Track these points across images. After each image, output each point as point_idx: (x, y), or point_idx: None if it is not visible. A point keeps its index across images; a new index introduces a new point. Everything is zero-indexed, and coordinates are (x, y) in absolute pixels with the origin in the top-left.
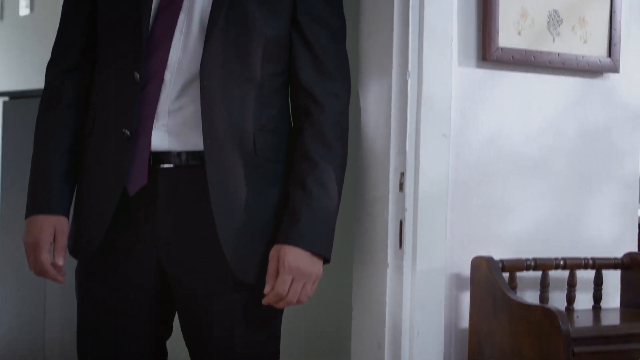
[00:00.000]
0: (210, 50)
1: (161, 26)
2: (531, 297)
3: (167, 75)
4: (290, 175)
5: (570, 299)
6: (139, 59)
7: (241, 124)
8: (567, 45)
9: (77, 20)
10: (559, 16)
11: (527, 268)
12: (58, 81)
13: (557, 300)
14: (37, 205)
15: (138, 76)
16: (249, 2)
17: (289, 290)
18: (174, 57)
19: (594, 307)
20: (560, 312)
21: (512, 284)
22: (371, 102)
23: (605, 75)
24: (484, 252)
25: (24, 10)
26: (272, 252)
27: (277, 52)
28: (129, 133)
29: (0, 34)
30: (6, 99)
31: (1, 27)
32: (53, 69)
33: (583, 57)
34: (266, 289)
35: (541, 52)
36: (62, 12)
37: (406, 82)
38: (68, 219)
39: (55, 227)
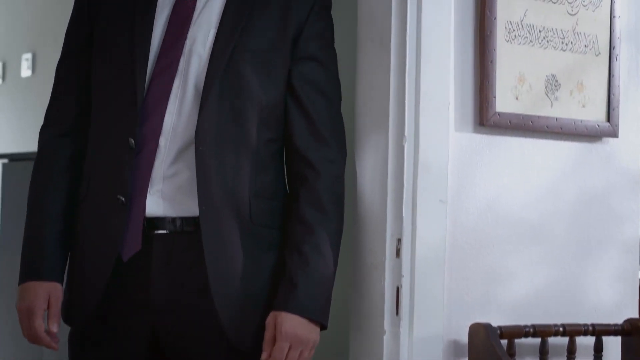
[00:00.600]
0: (205, 116)
1: (156, 91)
2: None
3: (162, 141)
4: (287, 241)
5: None
6: (133, 124)
7: (237, 190)
8: (565, 109)
9: (71, 84)
10: (556, 81)
11: (526, 335)
12: (52, 145)
13: None
14: (30, 271)
15: (133, 142)
16: (244, 67)
17: (286, 357)
18: (168, 122)
19: None
20: None
21: (511, 351)
22: (367, 167)
23: (604, 139)
24: (482, 319)
25: (25, 71)
26: (269, 319)
27: (272, 118)
28: (123, 199)
29: (2, 96)
30: (5, 161)
31: (3, 88)
32: (46, 133)
33: (581, 121)
34: (263, 357)
35: (539, 117)
36: (56, 76)
37: (402, 147)
38: (62, 285)
39: (50, 293)
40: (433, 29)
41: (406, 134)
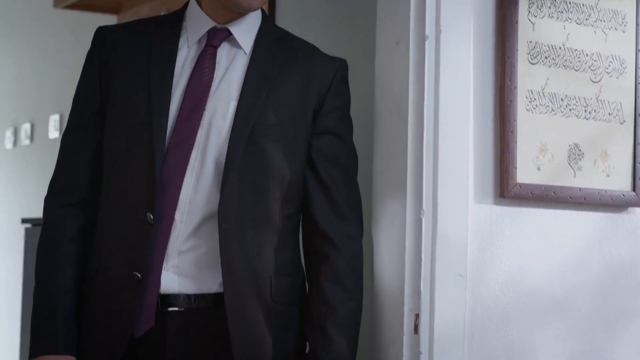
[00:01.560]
0: (228, 192)
1: (172, 164)
2: None
3: (178, 215)
4: (309, 318)
5: None
6: (152, 198)
7: (258, 269)
8: (589, 179)
9: (81, 153)
10: (580, 150)
11: None
12: (60, 215)
13: None
14: (43, 345)
15: (151, 217)
16: (266, 142)
17: None
18: (185, 196)
19: None
20: None
21: None
22: (384, 239)
23: (630, 209)
24: None
25: (53, 133)
26: None
27: (293, 193)
28: (140, 276)
29: (30, 156)
30: (29, 225)
31: (31, 149)
32: (54, 203)
33: (606, 191)
34: None
35: (562, 188)
36: (63, 144)
37: (420, 220)
38: (77, 358)
39: None
40: (451, 98)
41: (424, 206)
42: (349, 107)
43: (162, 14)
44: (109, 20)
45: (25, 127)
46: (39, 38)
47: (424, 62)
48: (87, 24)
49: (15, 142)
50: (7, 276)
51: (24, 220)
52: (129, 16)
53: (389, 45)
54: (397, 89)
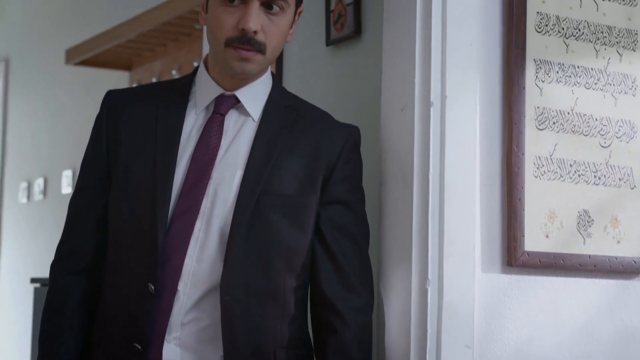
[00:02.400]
0: (231, 264)
1: (176, 233)
2: None
3: (181, 286)
4: None
5: None
6: (153, 269)
7: (262, 342)
8: (598, 246)
9: (87, 219)
10: (589, 216)
11: None
12: (64, 283)
13: None
14: None
15: (152, 288)
16: (272, 213)
17: None
18: (188, 266)
19: None
20: None
21: None
22: (390, 311)
23: None
24: None
25: (66, 188)
26: None
27: (299, 264)
28: (140, 347)
29: (44, 211)
30: (37, 285)
31: (44, 204)
32: (59, 269)
33: (616, 258)
34: None
35: (571, 255)
36: (70, 209)
37: (426, 290)
38: None
39: None
40: (457, 166)
41: (429, 276)
42: (361, 175)
43: (173, 71)
44: (121, 76)
45: (39, 182)
46: (53, 94)
47: (429, 129)
48: (100, 80)
49: (29, 197)
50: (16, 335)
51: (33, 280)
52: (140, 72)
53: (394, 111)
54: (402, 156)
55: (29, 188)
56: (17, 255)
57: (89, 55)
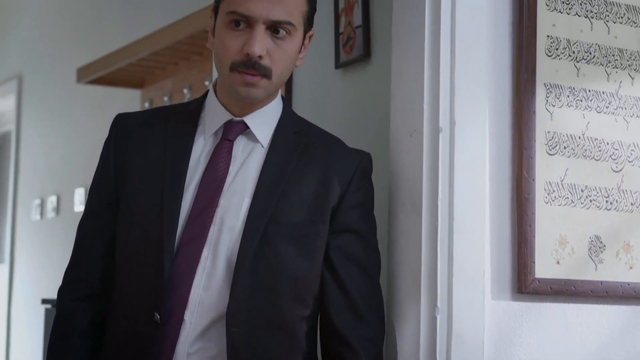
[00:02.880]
0: (238, 294)
1: (183, 261)
2: None
3: (188, 315)
4: None
5: None
6: (159, 297)
7: None
8: (610, 272)
9: (94, 245)
10: (601, 242)
11: None
12: (71, 309)
13: None
14: None
15: (158, 317)
16: (280, 242)
17: None
18: (195, 295)
19: None
20: None
21: None
22: (399, 340)
23: None
24: None
25: (78, 206)
26: None
27: (307, 294)
28: None
29: (56, 229)
30: (49, 306)
31: (57, 221)
32: (66, 295)
33: (629, 284)
34: None
35: (582, 281)
36: (78, 235)
37: (435, 318)
38: None
39: None
40: (466, 192)
41: (439, 304)
42: (372, 203)
43: (185, 90)
44: (133, 94)
45: (52, 200)
46: (66, 111)
47: (438, 155)
48: (112, 98)
49: (42, 214)
50: (28, 357)
51: (44, 301)
52: (152, 90)
53: (403, 136)
54: (410, 182)
55: (42, 205)
56: (30, 274)
57: (100, 74)
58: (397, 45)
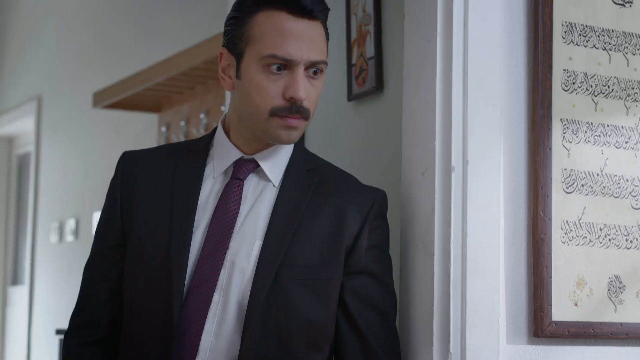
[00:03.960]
0: (249, 340)
1: (193, 306)
2: None
3: None
4: None
5: None
6: (168, 344)
7: None
8: (631, 313)
9: (101, 289)
10: (621, 282)
11: None
12: (78, 353)
13: None
14: None
15: None
16: (292, 285)
17: None
18: (206, 342)
19: None
20: None
21: None
22: None
23: None
24: None
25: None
26: None
27: (321, 338)
28: None
29: (76, 252)
30: (61, 336)
31: (76, 245)
32: (73, 340)
33: None
34: None
35: (601, 323)
36: (84, 277)
37: None
38: None
39: None
40: (480, 233)
41: (451, 349)
42: (388, 243)
43: (201, 115)
44: (150, 118)
45: (70, 223)
46: (83, 134)
47: (450, 195)
48: (129, 122)
49: (60, 237)
50: None
51: (58, 332)
52: (169, 115)
53: (414, 175)
54: (422, 223)
55: (61, 228)
56: (49, 297)
57: (116, 99)
58: (408, 81)
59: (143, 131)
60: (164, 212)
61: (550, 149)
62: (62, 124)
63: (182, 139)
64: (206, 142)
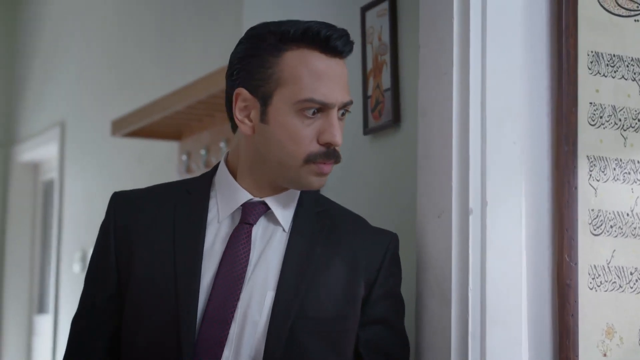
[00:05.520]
0: None
1: None
2: None
3: None
4: None
5: None
6: None
7: None
8: None
9: (92, 345)
10: None
11: None
12: None
13: None
14: None
15: None
16: (308, 338)
17: None
18: None
19: None
20: None
21: None
22: None
23: None
24: None
25: None
26: None
27: None
28: None
29: None
30: None
31: None
32: None
33: None
34: None
35: None
36: (71, 332)
37: None
38: None
39: None
40: (500, 279)
41: None
42: (400, 287)
43: (221, 144)
44: (171, 146)
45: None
46: (106, 161)
47: (468, 238)
48: (151, 149)
49: (83, 267)
50: None
51: None
52: (190, 143)
53: (430, 218)
54: (438, 269)
55: (84, 258)
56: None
57: (135, 127)
58: (424, 117)
59: (165, 159)
60: (166, 262)
61: (576, 188)
62: (85, 151)
63: (202, 168)
64: (206, 182)
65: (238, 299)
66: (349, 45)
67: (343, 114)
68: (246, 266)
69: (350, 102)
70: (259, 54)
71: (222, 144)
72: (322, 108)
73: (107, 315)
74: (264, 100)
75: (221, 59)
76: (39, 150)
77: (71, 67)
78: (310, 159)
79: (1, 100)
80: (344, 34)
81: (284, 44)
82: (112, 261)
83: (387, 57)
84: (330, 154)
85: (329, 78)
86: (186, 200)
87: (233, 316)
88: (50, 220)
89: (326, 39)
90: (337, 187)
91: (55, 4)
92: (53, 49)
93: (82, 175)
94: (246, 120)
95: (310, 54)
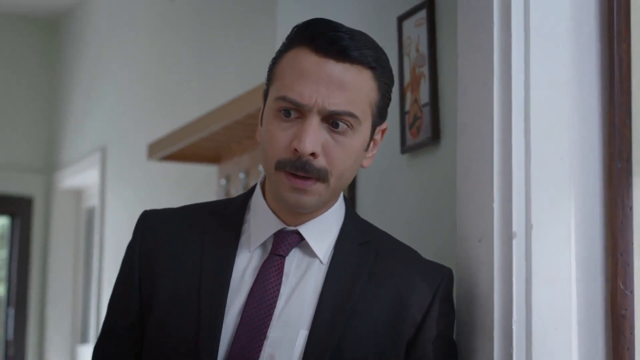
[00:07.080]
0: None
1: None
2: None
3: None
4: None
5: None
6: None
7: None
8: None
9: None
10: None
11: None
12: None
13: None
14: None
15: None
16: None
17: None
18: None
19: None
20: None
21: None
22: None
23: None
24: None
25: None
26: None
27: None
28: None
29: None
30: None
31: None
32: None
33: None
34: None
35: None
36: (95, 356)
37: None
38: None
39: None
40: (547, 310)
41: None
42: (453, 328)
43: (259, 167)
44: (210, 170)
45: None
46: (147, 187)
47: (511, 265)
48: (190, 173)
49: None
50: None
51: None
52: (229, 166)
53: (470, 243)
54: (480, 299)
55: None
56: None
57: (172, 150)
58: (463, 132)
59: (204, 183)
60: (192, 291)
61: (630, 208)
62: (126, 176)
63: (241, 192)
64: (241, 204)
65: (265, 338)
66: (357, 42)
67: (336, 125)
68: (276, 301)
69: (345, 113)
70: (275, 56)
71: (260, 167)
72: (299, 110)
73: (128, 345)
74: (264, 101)
75: (257, 78)
76: (81, 176)
77: (111, 91)
78: (279, 166)
79: (43, 127)
80: (346, 37)
81: (291, 43)
82: (135, 287)
83: (425, 70)
84: (299, 164)
85: (313, 78)
86: (217, 224)
87: (258, 356)
88: (92, 247)
89: (316, 36)
90: (373, 209)
91: (95, 30)
92: (93, 75)
93: (123, 200)
94: (259, 126)
95: (302, 51)
